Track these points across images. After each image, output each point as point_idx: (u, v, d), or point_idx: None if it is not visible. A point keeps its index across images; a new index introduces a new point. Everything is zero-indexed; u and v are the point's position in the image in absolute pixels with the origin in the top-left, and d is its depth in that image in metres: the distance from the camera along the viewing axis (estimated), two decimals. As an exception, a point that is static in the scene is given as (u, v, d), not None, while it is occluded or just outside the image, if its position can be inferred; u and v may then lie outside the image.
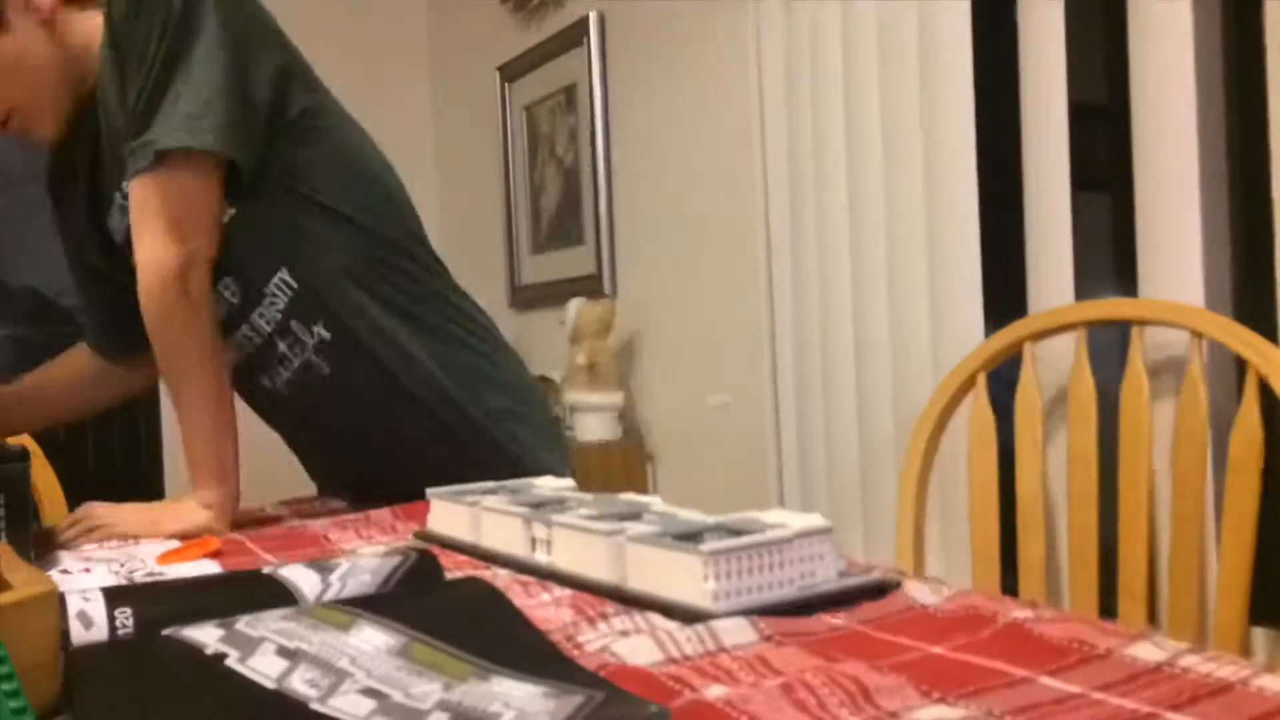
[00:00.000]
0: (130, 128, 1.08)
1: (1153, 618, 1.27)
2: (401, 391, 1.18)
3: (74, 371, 1.36)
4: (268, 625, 0.56)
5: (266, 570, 0.66)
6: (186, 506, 1.06)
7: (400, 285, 1.20)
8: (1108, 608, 1.30)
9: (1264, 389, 1.16)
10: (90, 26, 1.15)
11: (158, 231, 1.06)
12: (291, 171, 1.14)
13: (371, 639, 0.54)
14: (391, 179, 1.27)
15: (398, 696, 0.49)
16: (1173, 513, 1.25)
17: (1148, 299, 1.37)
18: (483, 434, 1.21)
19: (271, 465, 1.38)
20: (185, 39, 1.06)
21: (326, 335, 1.17)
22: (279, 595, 0.63)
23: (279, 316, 1.16)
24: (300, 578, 0.65)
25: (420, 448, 1.19)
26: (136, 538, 1.02)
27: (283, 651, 0.53)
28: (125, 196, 1.14)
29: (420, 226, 1.30)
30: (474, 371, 1.23)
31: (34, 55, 1.12)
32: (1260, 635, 1.31)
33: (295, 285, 1.16)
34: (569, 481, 0.92)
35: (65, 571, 0.87)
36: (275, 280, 1.15)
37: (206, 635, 0.55)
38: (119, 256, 1.20)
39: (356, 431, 1.22)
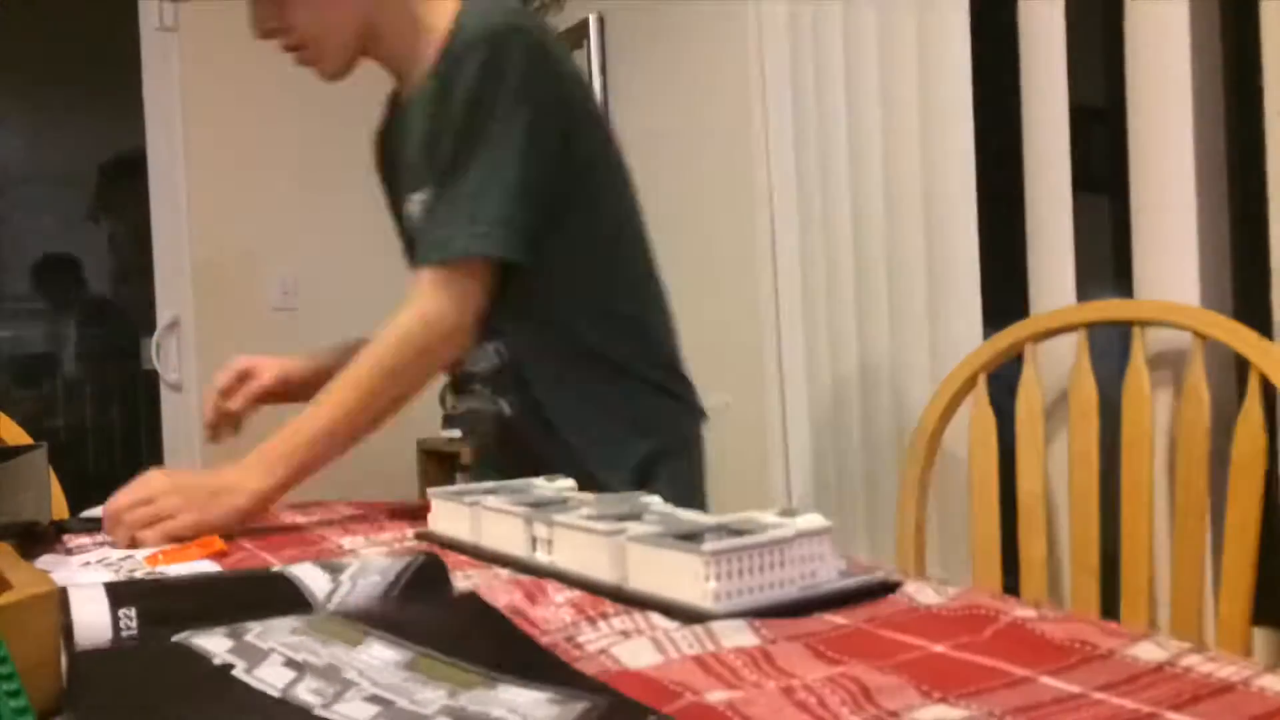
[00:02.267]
0: (432, 200, 1.14)
1: (1154, 619, 1.27)
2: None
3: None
4: (277, 638, 0.56)
5: (276, 569, 0.66)
6: (232, 482, 1.03)
7: (610, 384, 1.21)
8: (1109, 609, 1.30)
9: (1266, 388, 1.16)
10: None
11: (446, 300, 1.11)
12: (550, 264, 1.16)
13: (379, 654, 0.55)
14: (643, 256, 1.31)
15: (403, 703, 0.49)
16: (1174, 513, 1.25)
17: (1148, 300, 1.37)
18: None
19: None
20: (493, 131, 1.09)
21: (508, 412, 1.21)
22: (288, 594, 0.63)
23: (475, 373, 1.22)
24: (310, 577, 0.65)
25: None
26: (194, 534, 0.99)
27: (290, 663, 0.53)
28: (414, 204, 1.22)
29: (660, 298, 1.34)
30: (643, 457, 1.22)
31: (345, 3, 1.18)
32: (1262, 636, 1.31)
33: (500, 358, 1.20)
34: (569, 481, 0.92)
35: (69, 566, 0.87)
36: (489, 345, 1.20)
37: (216, 645, 0.55)
38: None
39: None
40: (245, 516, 1.03)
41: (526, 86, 1.09)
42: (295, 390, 1.31)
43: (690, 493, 1.24)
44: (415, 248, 1.20)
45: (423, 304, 1.10)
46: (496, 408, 1.22)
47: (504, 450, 1.25)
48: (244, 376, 1.31)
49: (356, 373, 1.08)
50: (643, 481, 1.18)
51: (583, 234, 1.18)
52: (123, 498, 1.00)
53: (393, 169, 1.34)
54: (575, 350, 1.19)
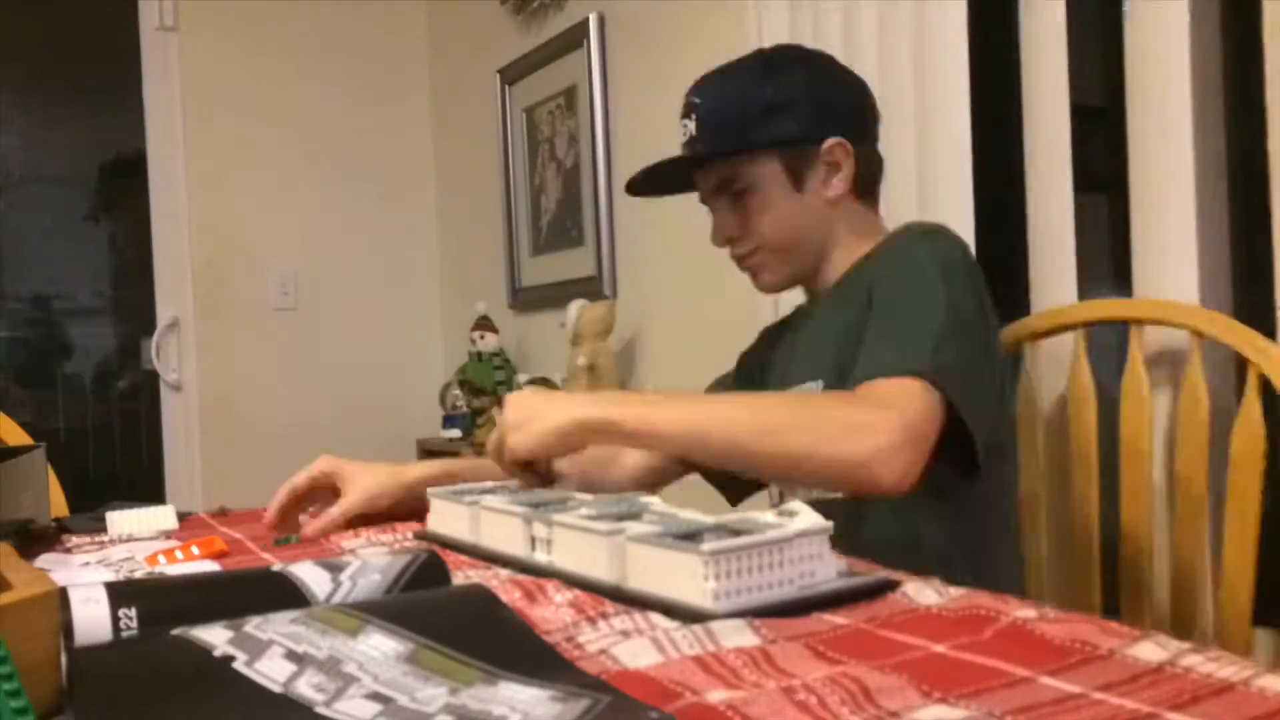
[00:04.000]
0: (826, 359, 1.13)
1: (1155, 619, 1.27)
2: None
3: None
4: (276, 628, 0.56)
5: (276, 568, 0.66)
6: (559, 403, 0.98)
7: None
8: (1110, 608, 1.30)
9: (1265, 387, 1.16)
10: (862, 224, 1.23)
11: (899, 420, 0.94)
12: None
13: (379, 645, 0.54)
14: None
15: (404, 700, 0.49)
16: (1174, 512, 1.25)
17: (1147, 299, 1.37)
18: None
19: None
20: (939, 271, 1.08)
21: None
22: (289, 593, 0.63)
23: None
24: (310, 576, 0.65)
25: None
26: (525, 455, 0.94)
27: (291, 655, 0.53)
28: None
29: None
30: None
31: (806, 222, 1.21)
32: (1263, 636, 1.31)
33: None
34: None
35: (69, 566, 0.87)
36: None
37: (215, 636, 0.55)
38: None
39: None
40: (559, 437, 0.94)
41: (969, 268, 1.11)
42: (390, 507, 1.09)
43: None
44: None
45: (881, 415, 0.94)
46: None
47: None
48: (321, 484, 1.10)
49: (775, 403, 1.02)
50: None
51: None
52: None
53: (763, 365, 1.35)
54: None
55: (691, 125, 1.26)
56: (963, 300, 1.06)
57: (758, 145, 1.19)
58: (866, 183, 1.25)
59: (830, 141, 1.19)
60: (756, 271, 1.27)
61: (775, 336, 1.39)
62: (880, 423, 0.93)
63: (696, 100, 1.27)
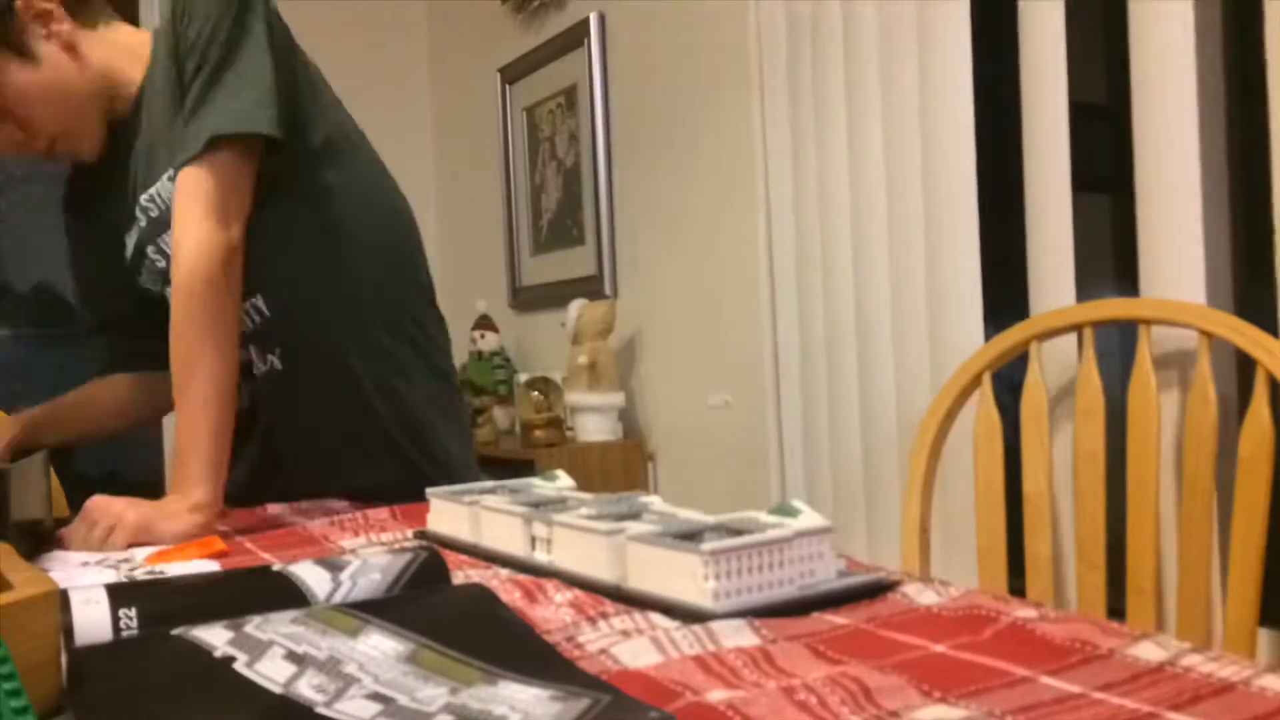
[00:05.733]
0: (184, 118, 1.10)
1: (1161, 619, 1.27)
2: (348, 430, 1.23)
3: (117, 391, 1.38)
4: (276, 629, 0.56)
5: (276, 567, 0.66)
6: (174, 509, 1.02)
7: (379, 336, 1.24)
8: (1116, 608, 1.29)
9: (1274, 387, 1.16)
10: (108, 45, 1.19)
11: (205, 216, 1.07)
12: (305, 194, 1.17)
13: (379, 645, 0.54)
14: (404, 222, 1.32)
15: (404, 700, 0.49)
16: (1180, 512, 1.25)
17: (1155, 299, 1.37)
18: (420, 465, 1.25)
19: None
20: (237, 39, 1.09)
21: (280, 366, 1.21)
22: (289, 593, 0.63)
23: (245, 337, 1.19)
24: (310, 575, 0.65)
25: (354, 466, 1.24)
26: (145, 541, 1.00)
27: (291, 656, 0.53)
28: (150, 200, 1.18)
29: (425, 270, 1.34)
30: (421, 420, 1.27)
31: (67, 82, 1.15)
32: (1269, 637, 1.30)
33: (267, 313, 1.19)
34: (569, 481, 0.92)
35: (69, 566, 0.87)
36: (249, 303, 1.18)
37: (215, 637, 0.55)
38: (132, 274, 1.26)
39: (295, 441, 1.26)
40: (204, 528, 1.02)
41: (254, 12, 1.11)
42: (41, 431, 1.27)
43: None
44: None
45: (191, 234, 1.06)
46: (267, 365, 1.22)
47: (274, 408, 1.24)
48: None
49: (183, 342, 1.06)
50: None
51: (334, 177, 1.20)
52: (76, 528, 1.00)
53: (95, 205, 1.30)
54: (347, 304, 1.22)
55: None
56: (268, 63, 1.11)
57: None
58: (78, 5, 1.17)
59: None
60: (72, 154, 1.21)
61: (76, 187, 1.33)
62: (212, 253, 1.07)
63: None
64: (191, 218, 1.07)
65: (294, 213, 1.18)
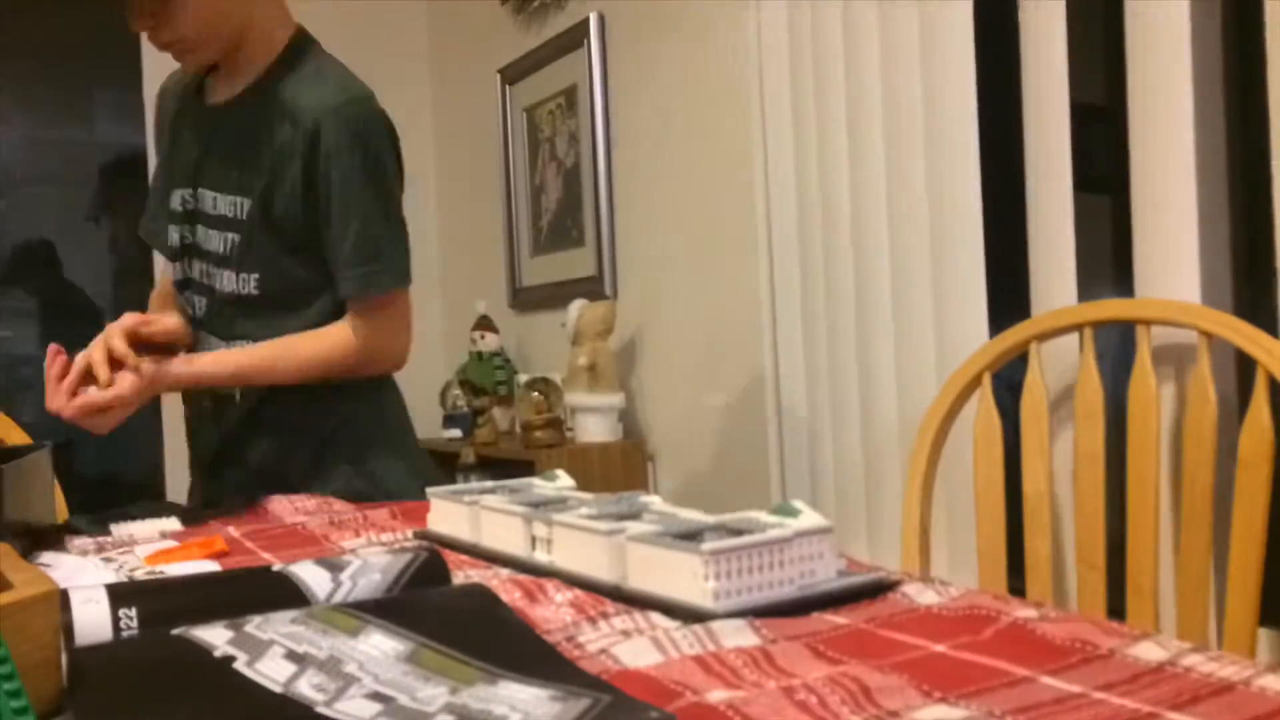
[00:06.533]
0: (350, 239, 1.28)
1: (1160, 619, 1.27)
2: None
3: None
4: (277, 628, 0.56)
5: (276, 567, 0.66)
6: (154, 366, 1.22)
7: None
8: (1116, 609, 1.29)
9: (1274, 387, 1.16)
10: (273, 9, 1.32)
11: (382, 335, 1.36)
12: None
13: (380, 645, 0.55)
14: None
15: (404, 700, 0.49)
16: (1180, 512, 1.25)
17: (1154, 299, 1.37)
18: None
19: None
20: (384, 176, 1.31)
21: (238, 399, 1.36)
22: (289, 593, 0.63)
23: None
24: (311, 576, 0.65)
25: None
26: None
27: (291, 655, 0.53)
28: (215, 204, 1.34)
29: None
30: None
31: (222, 12, 1.26)
32: (1269, 637, 1.30)
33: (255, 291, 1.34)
34: (569, 481, 0.92)
35: (70, 565, 0.87)
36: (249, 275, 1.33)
37: (216, 636, 0.55)
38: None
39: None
40: (152, 381, 1.21)
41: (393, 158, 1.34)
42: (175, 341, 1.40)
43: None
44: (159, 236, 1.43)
45: (365, 334, 1.33)
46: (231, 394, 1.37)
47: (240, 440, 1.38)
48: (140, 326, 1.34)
49: (286, 364, 1.29)
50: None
51: None
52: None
53: (172, 144, 1.42)
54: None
55: None
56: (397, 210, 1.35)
57: None
58: None
59: None
60: (179, 58, 1.32)
61: (178, 111, 1.43)
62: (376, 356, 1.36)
63: None
64: (369, 329, 1.33)
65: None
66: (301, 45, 1.33)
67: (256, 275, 1.31)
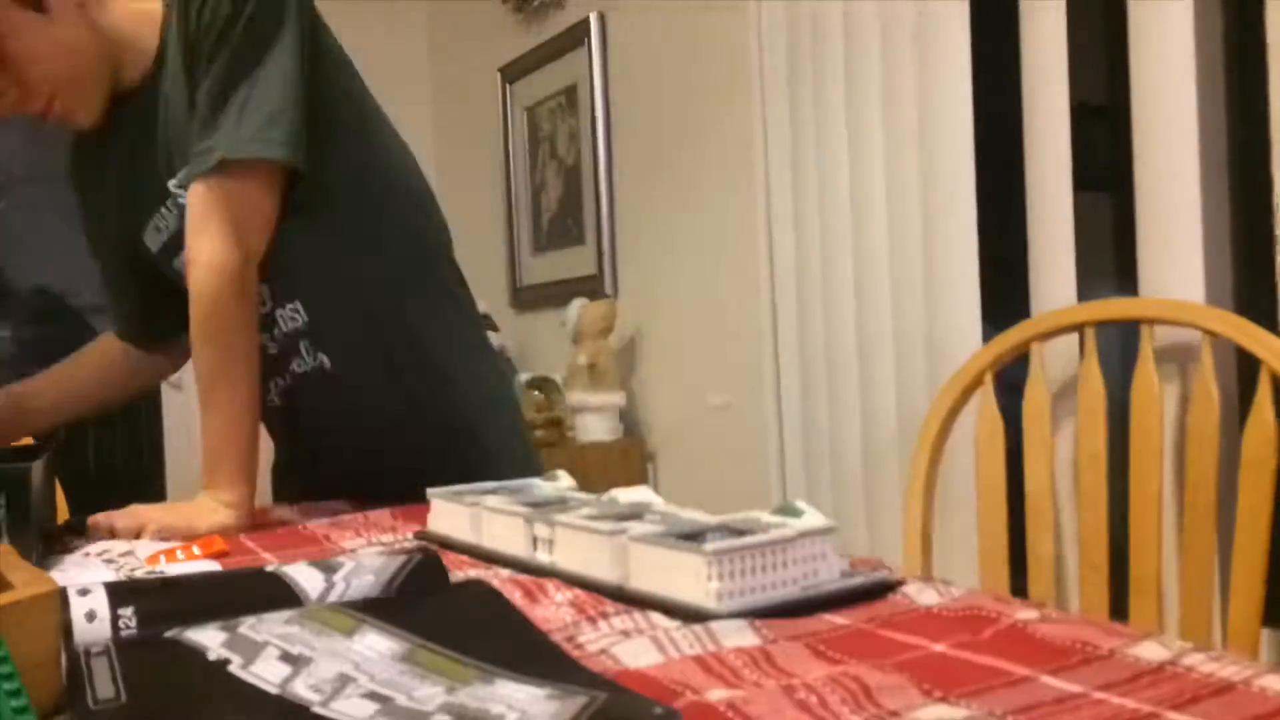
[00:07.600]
0: (196, 126, 1.07)
1: (1163, 619, 1.26)
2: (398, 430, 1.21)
3: (104, 361, 1.37)
4: (271, 629, 0.55)
5: (270, 568, 0.66)
6: (208, 505, 1.03)
7: (416, 319, 1.21)
8: (1118, 609, 1.29)
9: (1277, 386, 1.16)
10: (125, 12, 1.14)
11: (218, 233, 1.05)
12: (331, 193, 1.15)
13: (375, 644, 0.54)
14: (428, 197, 1.33)
15: (401, 699, 0.49)
16: (1183, 512, 1.25)
17: (1157, 298, 1.37)
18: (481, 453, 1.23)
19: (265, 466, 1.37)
20: (259, 42, 1.05)
21: (329, 365, 1.19)
22: (283, 594, 0.63)
23: (288, 336, 1.18)
24: (304, 576, 0.65)
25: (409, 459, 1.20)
26: (176, 535, 1.00)
27: (286, 657, 0.53)
28: (176, 191, 1.15)
29: (449, 244, 1.32)
30: (468, 407, 1.25)
31: (75, 40, 1.09)
32: (1272, 637, 1.30)
33: (306, 317, 1.17)
34: (570, 481, 0.92)
35: (70, 565, 0.87)
36: (289, 307, 1.17)
37: (209, 639, 0.54)
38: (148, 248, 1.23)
39: (346, 438, 1.23)
40: (239, 521, 1.04)
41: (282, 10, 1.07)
42: (24, 399, 1.27)
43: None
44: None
45: (204, 253, 1.05)
46: (317, 362, 1.19)
47: (316, 409, 1.22)
48: None
49: (205, 356, 1.07)
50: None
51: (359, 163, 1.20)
52: (111, 517, 1.01)
53: (106, 179, 1.25)
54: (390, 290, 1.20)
55: None
56: (291, 66, 1.07)
57: None
58: None
59: None
60: (67, 119, 1.14)
61: (85, 160, 1.28)
62: (226, 273, 1.06)
63: None
64: (203, 237, 1.06)
65: (324, 216, 1.16)
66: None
67: None
